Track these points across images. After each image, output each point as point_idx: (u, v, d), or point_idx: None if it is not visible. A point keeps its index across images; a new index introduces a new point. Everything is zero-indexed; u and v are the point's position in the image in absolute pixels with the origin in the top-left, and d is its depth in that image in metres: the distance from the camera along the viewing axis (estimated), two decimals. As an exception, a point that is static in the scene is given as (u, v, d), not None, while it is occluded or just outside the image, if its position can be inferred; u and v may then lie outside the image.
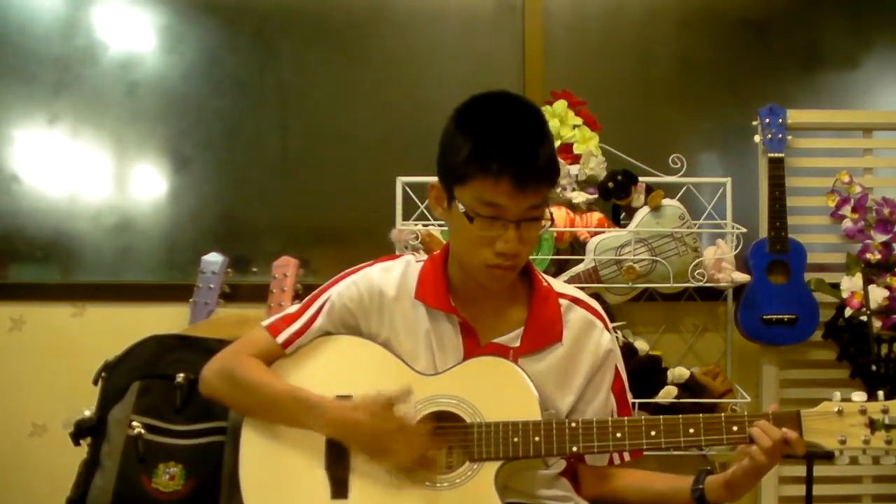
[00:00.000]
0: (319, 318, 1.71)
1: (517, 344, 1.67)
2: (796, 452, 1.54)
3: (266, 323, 1.74)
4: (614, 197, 2.67)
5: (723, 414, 1.60)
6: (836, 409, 1.55)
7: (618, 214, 2.74)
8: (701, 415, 1.59)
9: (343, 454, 1.64)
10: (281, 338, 1.70)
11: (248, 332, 1.76)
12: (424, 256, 1.76)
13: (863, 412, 1.54)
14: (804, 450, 1.54)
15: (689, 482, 1.64)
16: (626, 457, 1.74)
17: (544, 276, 1.77)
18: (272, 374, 1.69)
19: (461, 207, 1.56)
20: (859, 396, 1.56)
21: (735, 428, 1.58)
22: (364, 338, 1.71)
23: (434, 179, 1.66)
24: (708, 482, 1.62)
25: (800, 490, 2.70)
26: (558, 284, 1.77)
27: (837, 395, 1.57)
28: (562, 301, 1.71)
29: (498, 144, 1.52)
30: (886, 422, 1.53)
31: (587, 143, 2.71)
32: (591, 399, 1.70)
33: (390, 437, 1.57)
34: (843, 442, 1.54)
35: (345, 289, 1.71)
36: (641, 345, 2.68)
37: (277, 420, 1.67)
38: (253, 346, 1.72)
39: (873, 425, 1.53)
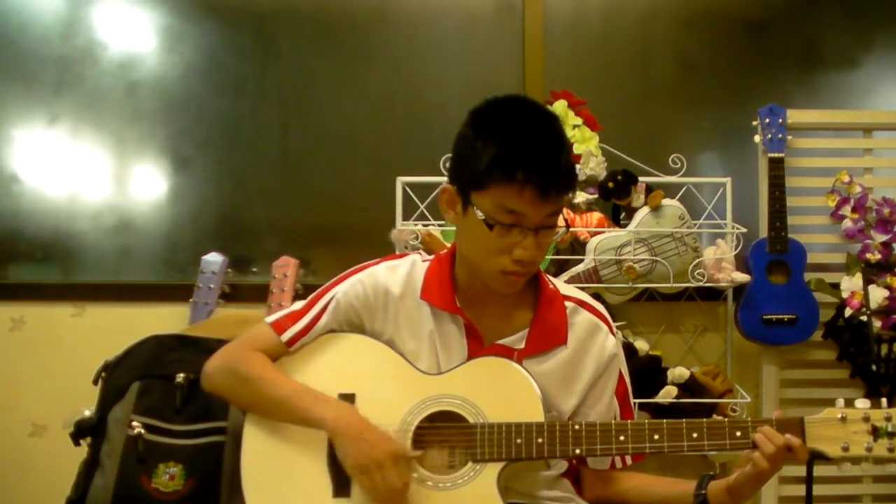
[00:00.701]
0: (324, 316, 1.70)
1: (522, 345, 1.67)
2: (799, 459, 1.54)
3: (270, 319, 1.74)
4: (614, 197, 2.67)
5: (726, 419, 1.59)
6: (839, 416, 1.54)
7: (618, 214, 2.74)
8: (704, 419, 1.59)
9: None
10: (286, 336, 1.70)
11: (251, 328, 1.76)
12: (430, 256, 1.76)
13: (866, 419, 1.54)
14: (807, 456, 1.54)
15: (692, 487, 1.64)
16: (629, 460, 1.74)
17: (550, 278, 1.77)
18: (276, 369, 1.69)
19: (479, 214, 1.55)
20: (863, 403, 1.55)
21: (738, 433, 1.57)
22: (368, 336, 1.70)
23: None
24: (711, 487, 1.62)
25: (800, 490, 2.70)
26: (564, 287, 1.76)
27: (841, 401, 1.56)
28: (567, 304, 1.71)
29: (523, 153, 1.52)
30: (889, 429, 1.52)
31: (587, 143, 2.71)
32: (595, 403, 1.71)
33: (380, 463, 1.55)
34: (845, 449, 1.53)
35: (350, 287, 1.71)
36: (641, 345, 2.68)
37: (279, 416, 1.66)
38: (257, 342, 1.72)
39: (876, 433, 1.53)
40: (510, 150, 1.52)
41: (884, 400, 1.56)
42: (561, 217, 1.61)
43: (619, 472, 1.75)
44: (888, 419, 1.53)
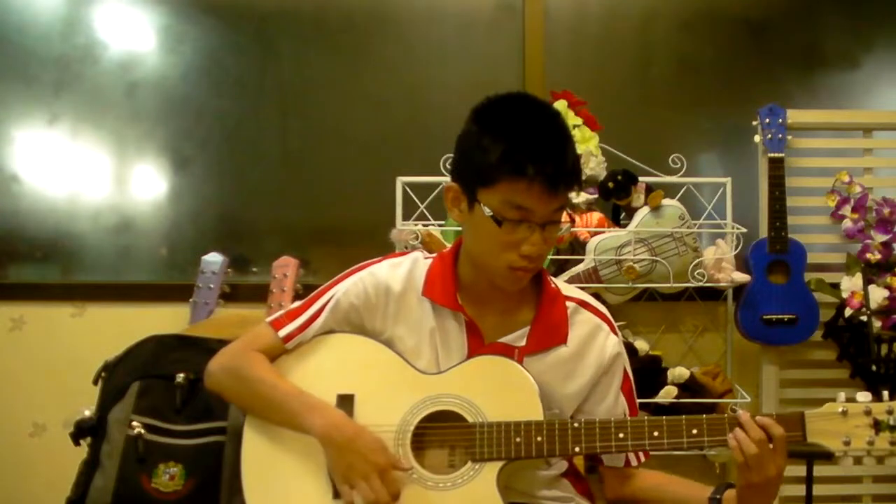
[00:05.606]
0: (322, 315, 1.70)
1: (522, 343, 1.67)
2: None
3: (270, 318, 1.74)
4: (614, 197, 2.67)
5: (726, 416, 1.59)
6: (840, 410, 1.53)
7: (618, 214, 2.74)
8: (704, 416, 1.59)
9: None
10: (283, 332, 1.70)
11: (254, 327, 1.76)
12: (432, 255, 1.76)
13: (867, 413, 1.53)
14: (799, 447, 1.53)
15: (709, 491, 1.64)
16: (642, 457, 1.74)
17: (552, 278, 1.77)
18: (275, 371, 1.69)
19: (487, 210, 1.55)
20: (864, 397, 1.54)
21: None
22: (367, 335, 1.70)
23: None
24: (726, 494, 1.61)
25: (800, 490, 2.70)
26: (566, 287, 1.76)
27: (842, 395, 1.55)
28: (569, 304, 1.71)
29: (531, 147, 1.52)
30: (891, 423, 1.51)
31: (587, 143, 2.71)
32: (599, 402, 1.71)
33: (365, 475, 1.54)
34: (846, 443, 1.52)
35: (351, 286, 1.71)
36: (641, 345, 2.68)
37: (275, 419, 1.66)
38: (258, 341, 1.72)
39: (878, 426, 1.52)
40: (519, 146, 1.52)
41: (885, 393, 1.55)
42: (564, 213, 1.61)
43: (637, 471, 1.75)
44: (890, 412, 1.52)
